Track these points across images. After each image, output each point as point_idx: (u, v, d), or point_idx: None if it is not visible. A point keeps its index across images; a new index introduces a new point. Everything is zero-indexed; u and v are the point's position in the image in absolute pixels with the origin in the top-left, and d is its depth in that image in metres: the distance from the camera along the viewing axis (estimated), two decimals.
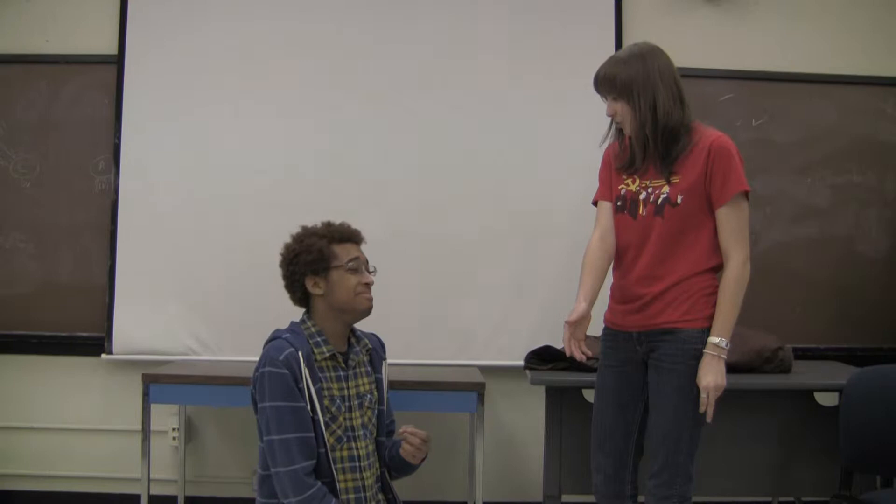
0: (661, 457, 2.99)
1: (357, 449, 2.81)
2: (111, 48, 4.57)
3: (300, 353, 2.72)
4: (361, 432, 2.83)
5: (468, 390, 4.01)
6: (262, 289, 4.42)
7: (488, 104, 4.57)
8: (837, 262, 4.67)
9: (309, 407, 2.71)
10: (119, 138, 4.53)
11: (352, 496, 2.76)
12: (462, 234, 4.54)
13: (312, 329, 2.82)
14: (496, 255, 4.54)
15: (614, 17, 4.61)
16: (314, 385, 2.72)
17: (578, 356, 3.05)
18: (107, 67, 4.57)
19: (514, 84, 4.58)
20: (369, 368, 2.95)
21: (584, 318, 3.04)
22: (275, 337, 2.82)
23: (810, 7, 4.72)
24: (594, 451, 3.18)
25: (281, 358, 2.69)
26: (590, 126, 4.50)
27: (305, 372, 2.71)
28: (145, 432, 4.05)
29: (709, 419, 2.92)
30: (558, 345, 3.98)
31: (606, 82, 3.00)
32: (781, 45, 4.68)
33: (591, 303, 3.08)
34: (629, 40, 4.51)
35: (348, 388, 2.83)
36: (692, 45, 4.57)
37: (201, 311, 4.52)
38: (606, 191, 3.18)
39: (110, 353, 4.52)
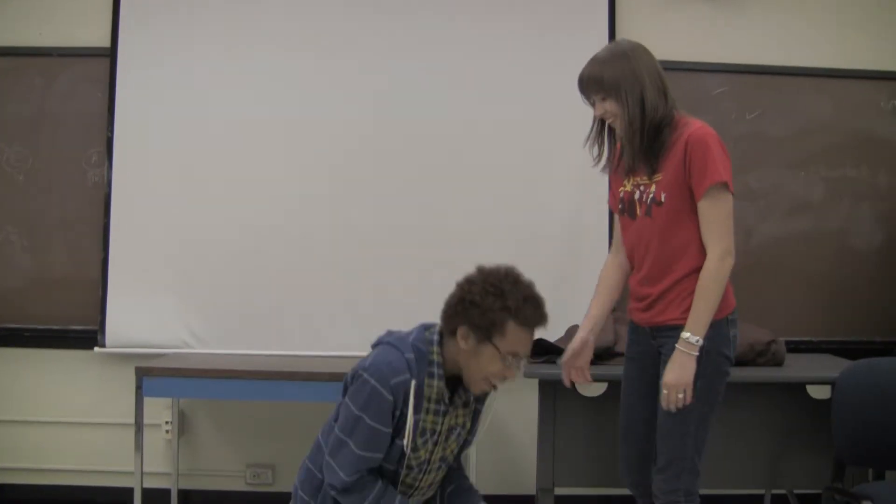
0: (668, 451, 2.99)
1: (421, 481, 2.67)
2: (104, 41, 4.55)
3: (412, 384, 2.53)
4: (437, 465, 2.69)
5: None
6: (255, 282, 4.48)
7: (485, 102, 4.57)
8: (831, 256, 4.68)
9: (399, 433, 2.55)
10: (112, 131, 4.52)
11: None
12: (457, 229, 4.54)
13: (436, 358, 2.57)
14: (491, 250, 4.50)
15: (608, 10, 4.59)
16: (415, 415, 2.54)
17: (580, 380, 3.17)
18: (100, 60, 4.55)
19: (508, 81, 4.57)
20: (471, 399, 2.73)
21: (584, 348, 3.15)
22: (397, 346, 2.59)
23: (804, 0, 4.72)
24: (620, 440, 3.23)
25: (392, 383, 2.50)
26: (585, 122, 4.55)
27: (411, 402, 2.52)
28: (138, 425, 4.04)
29: (671, 409, 2.90)
30: (552, 338, 4.01)
31: (593, 83, 2.97)
32: (775, 38, 4.68)
33: (592, 330, 3.16)
34: (623, 33, 4.52)
35: (442, 424, 2.64)
36: (685, 37, 4.57)
37: (195, 304, 4.51)
38: (612, 198, 3.22)
39: (103, 346, 4.51)
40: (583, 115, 4.56)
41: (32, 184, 4.59)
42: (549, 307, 4.39)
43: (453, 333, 2.57)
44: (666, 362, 2.94)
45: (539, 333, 4.06)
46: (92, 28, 4.59)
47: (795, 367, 3.93)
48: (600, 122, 3.08)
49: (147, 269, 4.51)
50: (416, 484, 2.68)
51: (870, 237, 4.69)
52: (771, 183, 4.65)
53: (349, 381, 2.60)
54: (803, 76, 4.66)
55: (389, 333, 2.68)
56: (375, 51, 4.57)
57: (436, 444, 2.65)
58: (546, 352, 3.93)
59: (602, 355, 3.92)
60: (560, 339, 4.06)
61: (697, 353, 2.88)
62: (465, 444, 2.79)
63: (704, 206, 2.90)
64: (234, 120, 4.53)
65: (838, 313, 4.65)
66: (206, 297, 4.52)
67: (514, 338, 2.53)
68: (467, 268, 4.45)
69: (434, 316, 4.41)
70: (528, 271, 4.45)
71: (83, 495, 4.61)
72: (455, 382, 2.64)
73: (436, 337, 2.61)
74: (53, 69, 4.59)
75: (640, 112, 2.92)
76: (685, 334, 2.88)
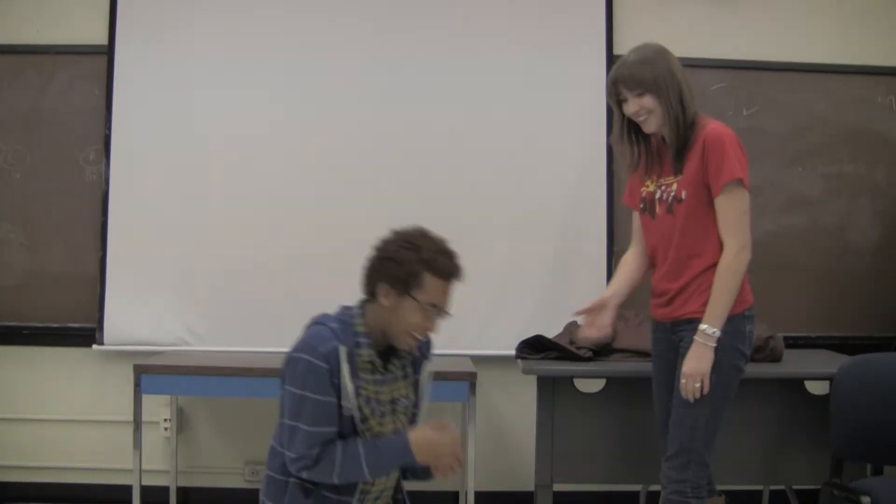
0: (677, 441, 3.08)
1: None
2: (101, 38, 4.55)
3: (342, 349, 2.58)
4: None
5: (460, 380, 4.02)
6: (254, 279, 4.47)
7: (481, 94, 4.56)
8: (828, 252, 4.68)
9: (342, 403, 2.57)
10: (109, 129, 4.52)
11: (358, 495, 2.66)
12: (453, 224, 4.48)
13: (360, 328, 2.64)
14: (488, 244, 4.54)
15: (605, 5, 4.59)
16: (353, 381, 2.59)
17: (596, 334, 3.24)
18: (97, 58, 4.55)
19: (506, 75, 4.57)
20: (409, 370, 2.79)
21: (603, 308, 3.21)
22: (320, 322, 2.67)
23: None
24: (657, 438, 3.31)
25: (322, 351, 2.56)
26: (581, 116, 4.56)
27: (345, 368, 2.57)
28: (137, 423, 4.06)
29: (690, 399, 3.01)
30: (550, 335, 4.02)
31: (632, 80, 3.06)
32: (772, 34, 4.67)
33: (614, 296, 3.24)
34: (619, 28, 4.57)
35: (383, 394, 2.69)
36: (683, 33, 4.56)
37: (193, 301, 4.51)
38: (628, 195, 3.32)
39: (101, 343, 4.51)
40: (581, 111, 4.59)
41: (30, 182, 4.58)
42: (547, 304, 4.47)
43: (374, 297, 2.66)
44: (684, 355, 3.04)
45: (529, 324, 4.11)
46: (89, 26, 4.59)
47: (793, 363, 3.94)
48: (628, 123, 3.15)
49: (145, 267, 4.51)
50: None
51: (867, 232, 4.69)
52: (768, 179, 4.65)
53: (283, 368, 2.65)
54: (800, 72, 4.66)
55: (313, 317, 2.74)
56: (374, 50, 4.57)
57: (383, 415, 2.68)
58: (544, 348, 3.93)
59: (600, 351, 3.92)
60: (558, 336, 4.06)
61: (715, 345, 2.98)
62: (414, 417, 2.82)
63: (721, 203, 3.01)
64: (231, 118, 4.53)
65: (836, 309, 4.66)
66: (205, 294, 4.52)
67: (431, 289, 2.62)
68: (468, 264, 4.47)
69: None
70: (527, 264, 4.52)
71: (82, 493, 4.61)
72: (387, 355, 2.71)
73: (357, 310, 2.69)
74: (51, 67, 4.58)
75: (681, 110, 3.03)
76: (703, 326, 2.98)
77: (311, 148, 4.55)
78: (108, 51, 4.53)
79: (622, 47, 4.55)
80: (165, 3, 4.55)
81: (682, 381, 3.01)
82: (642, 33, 4.49)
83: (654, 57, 3.07)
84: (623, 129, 3.17)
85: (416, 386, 2.81)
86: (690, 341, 3.03)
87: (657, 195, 3.14)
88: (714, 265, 3.02)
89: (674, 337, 3.17)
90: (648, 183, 3.18)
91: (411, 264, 2.60)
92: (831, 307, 4.66)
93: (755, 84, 4.65)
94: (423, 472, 2.81)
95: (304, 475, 2.59)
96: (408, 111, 4.57)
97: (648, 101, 3.04)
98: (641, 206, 3.22)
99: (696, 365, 2.99)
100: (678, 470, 3.07)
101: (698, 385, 2.99)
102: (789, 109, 4.67)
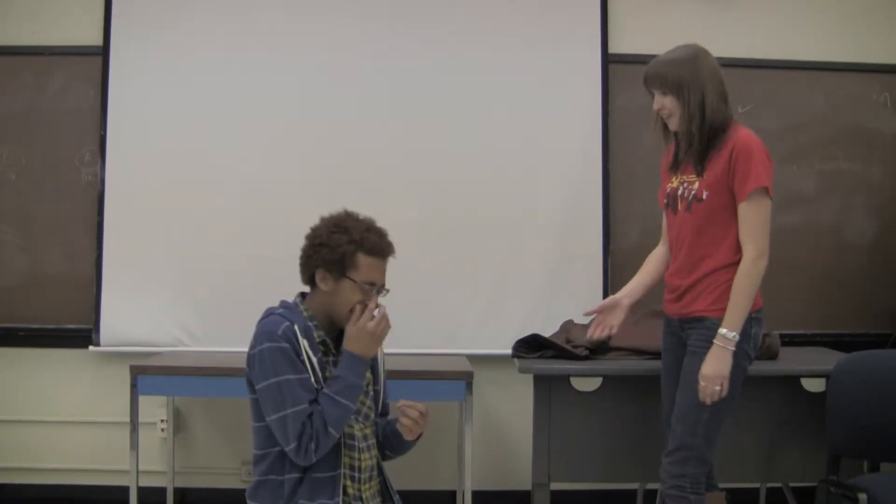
0: (678, 436, 3.12)
1: (356, 430, 2.74)
2: (96, 39, 4.55)
3: (296, 326, 2.66)
4: (353, 416, 2.74)
5: (456, 379, 4.03)
6: (250, 279, 4.46)
7: (480, 94, 4.58)
8: (824, 249, 4.69)
9: (313, 378, 2.65)
10: (105, 129, 4.51)
11: (346, 471, 2.70)
12: (453, 224, 4.55)
13: (305, 314, 2.73)
14: (486, 244, 4.55)
15: (600, 4, 4.59)
16: (315, 355, 2.67)
17: (603, 334, 3.31)
18: (92, 59, 4.55)
19: (505, 75, 4.57)
20: None
21: (615, 308, 3.30)
22: (268, 314, 2.75)
23: None
24: (665, 431, 3.33)
25: (279, 332, 2.63)
26: (578, 116, 4.57)
27: (304, 343, 2.65)
28: (133, 424, 4.05)
29: (707, 402, 3.03)
30: (546, 333, 4.01)
31: (657, 79, 3.12)
32: (767, 32, 4.68)
33: (627, 296, 3.32)
34: (615, 27, 4.58)
35: None
36: (677, 31, 4.49)
37: (189, 301, 4.51)
38: (662, 195, 3.35)
39: (98, 344, 4.52)
40: (578, 111, 4.58)
41: (26, 182, 4.58)
42: (544, 304, 4.47)
43: (313, 283, 2.74)
44: (692, 353, 3.10)
45: (525, 323, 4.10)
46: (84, 26, 4.59)
47: (790, 361, 3.93)
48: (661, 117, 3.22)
49: (141, 267, 4.51)
50: (353, 433, 2.72)
51: (863, 230, 4.70)
52: None
53: (248, 369, 2.72)
54: (795, 69, 4.67)
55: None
56: (374, 50, 4.57)
57: None
58: (541, 347, 3.93)
59: (596, 350, 3.92)
60: (554, 335, 4.06)
61: (734, 349, 3.01)
62: (377, 395, 2.86)
63: (744, 209, 3.07)
64: (227, 118, 4.53)
65: (832, 306, 4.67)
66: (201, 294, 4.52)
67: (366, 268, 2.69)
68: (465, 264, 4.52)
69: (423, 310, 4.44)
70: (524, 263, 4.53)
71: (79, 494, 4.61)
72: (337, 339, 2.77)
73: (298, 299, 2.79)
74: (46, 68, 4.58)
75: (700, 114, 3.07)
76: (722, 330, 3.02)
77: (311, 148, 4.55)
78: (103, 51, 4.53)
79: (618, 46, 4.58)
80: (161, 4, 4.55)
81: (702, 383, 3.02)
82: (638, 32, 4.55)
83: (683, 58, 3.11)
84: (658, 120, 3.23)
85: (373, 364, 2.85)
86: (697, 339, 3.09)
87: (679, 191, 3.18)
88: (725, 266, 3.07)
89: (682, 334, 3.22)
90: (674, 179, 3.23)
91: (343, 246, 2.69)
92: (827, 304, 4.67)
93: (750, 81, 4.65)
94: (400, 445, 2.84)
95: (313, 451, 2.61)
96: (408, 111, 4.57)
97: (669, 101, 3.10)
98: (665, 201, 3.27)
99: (717, 368, 3.01)
100: (677, 465, 3.11)
101: (717, 388, 3.01)
102: (784, 107, 4.68)
